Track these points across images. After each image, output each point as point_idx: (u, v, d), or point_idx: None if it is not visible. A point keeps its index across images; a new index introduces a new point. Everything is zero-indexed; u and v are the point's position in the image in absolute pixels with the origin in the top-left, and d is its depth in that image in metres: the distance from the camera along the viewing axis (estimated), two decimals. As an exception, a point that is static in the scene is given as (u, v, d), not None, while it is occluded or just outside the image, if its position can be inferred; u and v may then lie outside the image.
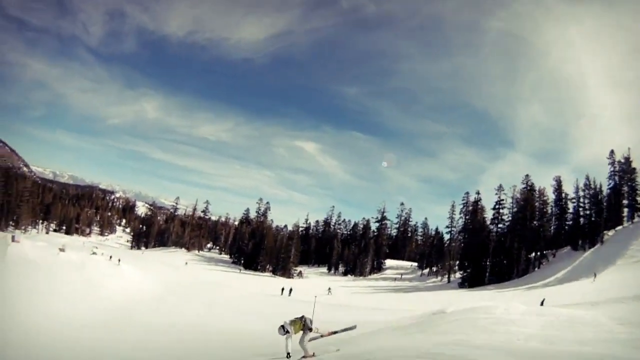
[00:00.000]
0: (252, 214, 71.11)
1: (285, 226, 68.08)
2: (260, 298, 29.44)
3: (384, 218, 68.10)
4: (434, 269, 57.57)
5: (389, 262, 62.50)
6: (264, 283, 42.50)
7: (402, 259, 66.69)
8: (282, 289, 32.37)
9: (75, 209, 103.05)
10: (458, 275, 51.83)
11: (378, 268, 60.28)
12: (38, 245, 27.63)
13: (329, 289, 36.78)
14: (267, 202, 71.83)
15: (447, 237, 61.68)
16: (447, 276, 53.14)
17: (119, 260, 38.56)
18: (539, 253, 45.54)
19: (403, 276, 53.35)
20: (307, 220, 72.26)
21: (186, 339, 13.64)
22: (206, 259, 65.21)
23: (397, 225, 71.74)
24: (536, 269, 44.14)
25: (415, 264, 61.46)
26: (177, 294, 24.69)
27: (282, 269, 53.24)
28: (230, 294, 29.41)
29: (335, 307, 24.27)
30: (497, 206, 51.12)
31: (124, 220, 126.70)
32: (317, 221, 73.20)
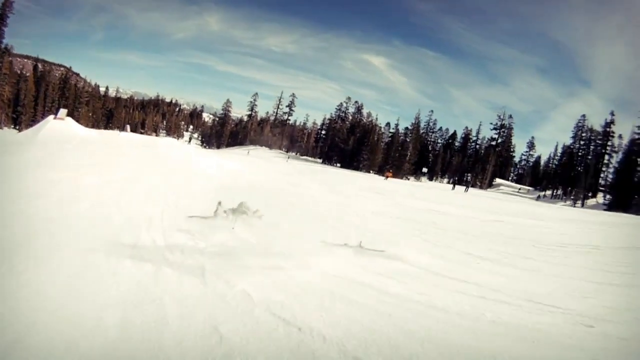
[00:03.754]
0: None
1: (388, 124, 58.53)
2: (430, 191, 24.24)
3: (503, 126, 56.28)
4: (556, 192, 50.80)
5: (497, 180, 55.43)
6: (390, 181, 33.23)
7: (505, 179, 59.45)
8: (453, 185, 29.78)
9: (140, 114, 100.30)
10: (592, 201, 45.87)
11: (488, 185, 53.49)
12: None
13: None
14: (357, 101, 63.34)
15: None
16: (580, 201, 46.67)
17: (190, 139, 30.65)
18: None
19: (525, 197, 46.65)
20: (397, 124, 63.63)
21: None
22: (292, 157, 57.27)
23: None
24: None
25: (528, 187, 54.32)
26: (297, 184, 17.70)
27: (395, 169, 46.98)
28: (367, 187, 21.46)
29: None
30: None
31: (191, 127, 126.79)
32: (406, 128, 64.29)
